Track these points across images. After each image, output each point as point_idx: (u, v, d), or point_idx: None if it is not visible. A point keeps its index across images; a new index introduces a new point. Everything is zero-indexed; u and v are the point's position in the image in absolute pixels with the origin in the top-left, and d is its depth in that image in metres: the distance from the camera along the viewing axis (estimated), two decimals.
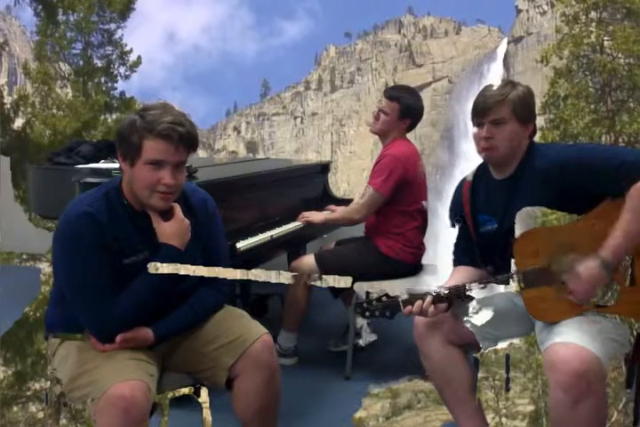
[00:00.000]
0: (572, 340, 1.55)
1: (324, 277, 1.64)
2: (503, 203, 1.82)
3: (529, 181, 1.77)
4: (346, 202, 3.34)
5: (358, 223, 2.87)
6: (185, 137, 1.58)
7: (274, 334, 1.80)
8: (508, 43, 66.66)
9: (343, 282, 1.62)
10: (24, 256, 5.71)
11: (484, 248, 1.89)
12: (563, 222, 1.84)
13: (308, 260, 2.82)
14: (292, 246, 3.26)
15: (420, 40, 76.87)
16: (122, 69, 20.69)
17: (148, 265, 1.60)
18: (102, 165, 2.99)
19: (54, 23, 19.99)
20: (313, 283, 1.69)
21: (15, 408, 2.80)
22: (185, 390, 1.72)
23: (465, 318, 1.80)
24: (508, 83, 1.83)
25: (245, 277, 1.62)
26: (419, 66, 73.27)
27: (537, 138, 1.89)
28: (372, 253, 2.78)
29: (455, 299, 1.74)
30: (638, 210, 1.59)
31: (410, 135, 2.90)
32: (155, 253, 1.64)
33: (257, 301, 3.23)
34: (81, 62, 20.73)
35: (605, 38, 18.44)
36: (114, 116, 19.84)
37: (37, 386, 3.05)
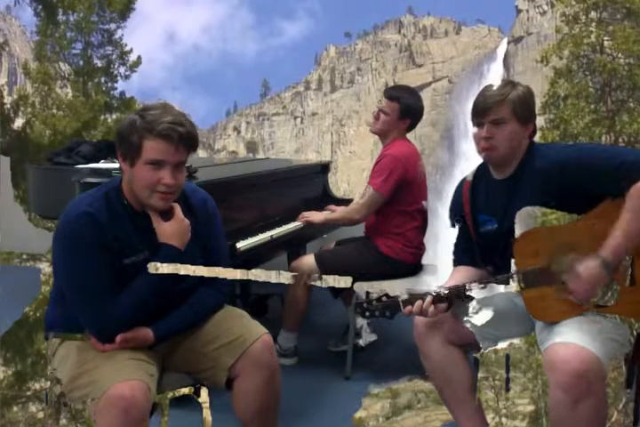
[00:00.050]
0: (572, 340, 1.55)
1: (324, 277, 1.64)
2: (503, 203, 1.82)
3: (529, 181, 1.77)
4: (346, 202, 3.34)
5: (358, 223, 2.87)
6: (185, 137, 1.58)
7: (274, 334, 1.80)
8: (508, 43, 66.67)
9: (343, 282, 1.62)
10: (24, 256, 5.71)
11: (483, 248, 1.89)
12: (563, 222, 1.84)
13: (308, 260, 2.82)
14: (292, 246, 3.26)
15: (420, 40, 76.87)
16: (122, 69, 20.72)
17: (148, 265, 1.60)
18: (102, 165, 2.99)
19: (54, 23, 20.00)
20: (313, 283, 1.69)
21: (15, 408, 2.80)
22: (185, 390, 1.72)
23: (465, 318, 1.80)
24: (508, 83, 1.83)
25: (245, 277, 1.62)
26: (419, 66, 73.27)
27: (537, 138, 1.89)
28: (372, 253, 2.78)
29: (455, 299, 1.74)
30: (638, 210, 1.59)
31: (410, 135, 2.90)
32: (155, 253, 1.64)
33: (257, 301, 3.23)
34: (81, 62, 20.74)
35: (605, 38, 18.44)
36: (114, 117, 19.85)
37: (37, 386, 3.05)
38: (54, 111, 19.09)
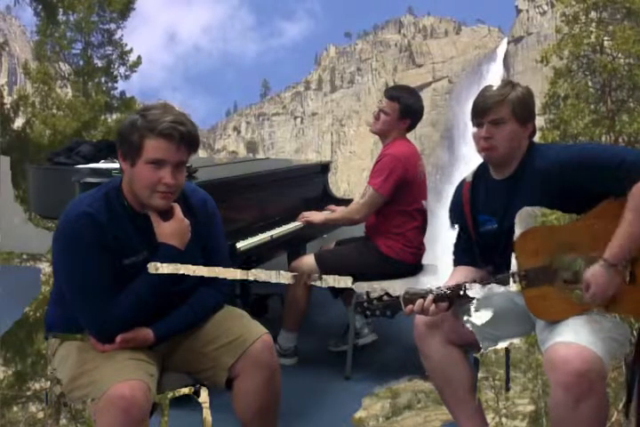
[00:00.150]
0: (573, 339, 1.55)
1: (324, 277, 1.64)
2: (503, 203, 1.82)
3: (529, 181, 1.77)
4: (346, 202, 3.34)
5: (358, 223, 2.87)
6: (186, 136, 1.58)
7: (274, 334, 1.80)
8: (508, 43, 66.69)
9: (343, 282, 1.62)
10: (24, 256, 5.72)
11: (483, 248, 1.89)
12: (563, 222, 1.84)
13: (308, 260, 2.82)
14: (292, 246, 3.26)
15: (420, 40, 76.90)
16: (122, 69, 20.74)
17: (148, 265, 1.60)
18: (102, 165, 2.99)
19: (54, 23, 20.00)
20: (313, 283, 1.69)
21: (15, 408, 2.80)
22: (185, 390, 1.71)
23: (465, 318, 1.80)
24: (508, 83, 1.83)
25: (245, 277, 1.62)
26: (419, 66, 73.28)
27: (537, 138, 1.89)
28: (372, 253, 2.78)
29: (456, 298, 1.74)
30: (636, 208, 1.59)
31: (410, 135, 2.90)
32: (154, 253, 1.64)
33: (257, 301, 3.23)
34: (81, 62, 20.75)
35: (605, 38, 18.44)
36: (114, 117, 19.86)
37: (37, 386, 3.05)
38: (54, 111, 19.10)
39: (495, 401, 2.69)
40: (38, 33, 20.41)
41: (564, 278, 1.67)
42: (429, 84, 70.79)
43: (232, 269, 1.67)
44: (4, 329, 3.55)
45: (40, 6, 19.83)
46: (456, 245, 2.01)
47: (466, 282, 1.75)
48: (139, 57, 21.13)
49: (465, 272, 1.91)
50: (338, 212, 2.98)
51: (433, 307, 1.72)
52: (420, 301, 1.72)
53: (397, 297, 1.75)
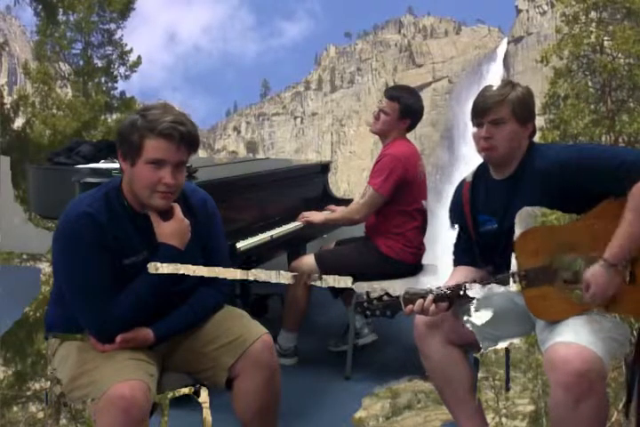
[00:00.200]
0: (573, 339, 1.55)
1: (324, 277, 1.64)
2: (503, 203, 1.82)
3: (529, 181, 1.77)
4: (346, 202, 3.34)
5: (358, 223, 2.87)
6: (186, 136, 1.58)
7: (274, 334, 1.80)
8: (508, 43, 66.69)
9: (343, 282, 1.62)
10: (24, 256, 5.72)
11: (484, 248, 1.89)
12: (562, 222, 1.84)
13: (308, 260, 2.82)
14: (292, 246, 3.26)
15: (420, 40, 76.90)
16: (122, 69, 20.74)
17: (148, 265, 1.60)
18: (102, 165, 2.99)
19: (54, 23, 20.00)
20: (313, 283, 1.69)
21: (15, 408, 2.80)
22: (185, 390, 1.71)
23: (465, 318, 1.80)
24: (508, 83, 1.83)
25: (245, 277, 1.62)
26: (419, 66, 73.29)
27: (537, 138, 1.89)
28: (372, 253, 2.78)
29: (456, 298, 1.74)
30: (636, 208, 1.59)
31: (410, 135, 2.89)
32: (154, 253, 1.64)
33: (257, 301, 3.23)
34: (81, 62, 20.75)
35: (605, 38, 18.44)
36: (114, 117, 19.86)
37: (37, 386, 3.05)
38: (54, 111, 19.10)
39: (495, 401, 2.69)
40: (38, 33, 20.42)
41: (564, 278, 1.67)
42: (429, 84, 70.80)
43: (232, 269, 1.67)
44: (4, 329, 3.55)
45: (40, 6, 19.84)
46: (456, 246, 2.01)
47: (466, 282, 1.75)
48: (139, 57, 21.15)
49: (465, 272, 1.91)
50: (338, 212, 2.98)
51: (433, 307, 1.72)
52: (419, 301, 1.72)
53: (397, 297, 1.75)
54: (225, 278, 1.71)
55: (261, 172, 3.21)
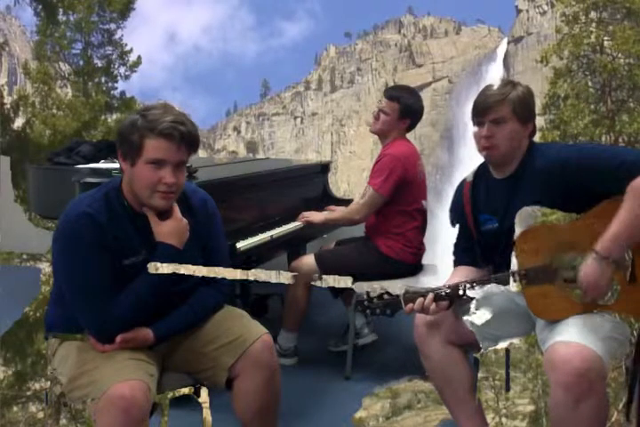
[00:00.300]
0: (573, 339, 1.55)
1: (324, 277, 1.64)
2: (504, 202, 1.82)
3: (529, 181, 1.77)
4: (346, 202, 3.34)
5: (358, 223, 2.87)
6: (186, 136, 1.58)
7: (274, 334, 1.80)
8: (508, 43, 66.69)
9: (343, 282, 1.62)
10: (24, 256, 5.72)
11: (484, 247, 1.89)
12: (563, 222, 1.84)
13: (308, 260, 2.82)
14: (292, 246, 3.26)
15: (420, 40, 76.90)
16: (122, 69, 20.76)
17: (148, 265, 1.60)
18: (102, 165, 2.99)
19: (54, 23, 20.01)
20: (313, 283, 1.69)
21: (15, 408, 2.80)
22: (185, 390, 1.72)
23: (465, 318, 1.80)
24: (509, 82, 1.83)
25: (245, 277, 1.62)
26: (419, 66, 73.29)
27: (537, 138, 1.89)
28: (372, 253, 2.78)
29: (456, 297, 1.74)
30: (634, 204, 1.59)
31: (410, 135, 2.89)
32: (154, 253, 1.64)
33: (257, 301, 3.23)
34: (81, 62, 20.76)
35: (605, 38, 18.45)
36: (114, 117, 19.87)
37: (37, 386, 3.05)
38: (54, 111, 19.11)
39: (495, 401, 2.69)
40: (38, 33, 20.43)
41: (564, 278, 1.67)
42: (429, 84, 70.80)
43: (232, 269, 1.67)
44: (4, 329, 3.55)
45: (40, 6, 19.86)
46: (456, 245, 2.01)
47: (466, 281, 1.75)
48: (139, 57, 21.17)
49: (465, 272, 1.91)
50: (338, 212, 2.98)
51: (433, 306, 1.72)
52: (420, 299, 1.72)
53: (398, 296, 1.75)
54: (225, 278, 1.71)
55: (261, 172, 3.21)
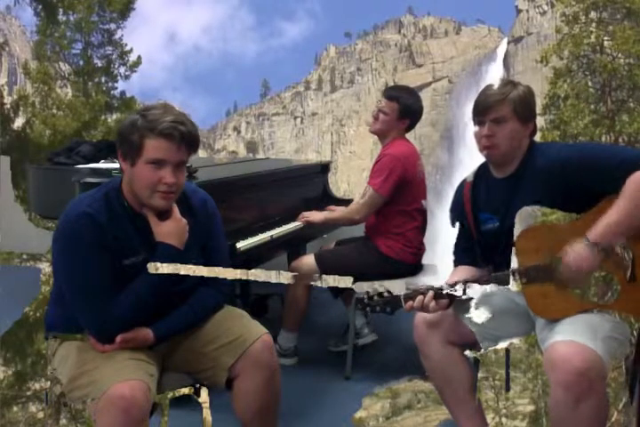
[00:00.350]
0: (573, 338, 1.55)
1: (323, 277, 1.64)
2: (504, 201, 1.83)
3: (530, 180, 1.78)
4: (346, 202, 3.34)
5: (358, 223, 2.87)
6: (187, 136, 1.58)
7: (274, 334, 1.80)
8: (508, 43, 66.70)
9: (343, 282, 1.62)
10: (24, 256, 5.71)
11: (485, 247, 1.89)
12: (563, 222, 1.84)
13: (308, 260, 2.82)
14: (292, 246, 3.26)
15: (420, 40, 76.91)
16: (122, 69, 20.74)
17: (148, 265, 1.60)
18: (102, 165, 2.99)
19: (54, 23, 20.00)
20: (313, 283, 1.69)
21: (15, 408, 2.80)
22: (185, 390, 1.72)
23: (465, 316, 1.80)
24: (509, 82, 1.84)
25: (245, 277, 1.62)
26: (419, 66, 73.29)
27: (537, 138, 1.90)
28: (372, 253, 2.78)
29: (455, 296, 1.74)
30: (632, 195, 1.60)
31: (410, 135, 2.90)
32: (154, 253, 1.64)
33: (257, 301, 3.23)
34: (81, 62, 20.74)
35: (605, 38, 18.44)
36: (114, 117, 19.86)
37: (37, 386, 3.05)
38: (54, 111, 19.10)
39: (495, 401, 2.69)
40: (38, 33, 20.41)
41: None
42: (429, 84, 70.80)
43: (232, 270, 1.66)
44: (4, 329, 3.55)
45: (40, 6, 19.84)
46: (456, 245, 2.01)
47: (466, 280, 1.75)
48: (139, 57, 21.15)
49: (465, 272, 1.91)
50: (338, 212, 2.98)
51: (433, 303, 1.72)
52: (420, 297, 1.72)
53: (398, 294, 1.75)
54: (225, 278, 1.71)
55: (261, 172, 3.21)
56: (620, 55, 18.35)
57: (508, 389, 2.17)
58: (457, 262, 1.99)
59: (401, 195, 2.74)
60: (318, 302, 3.08)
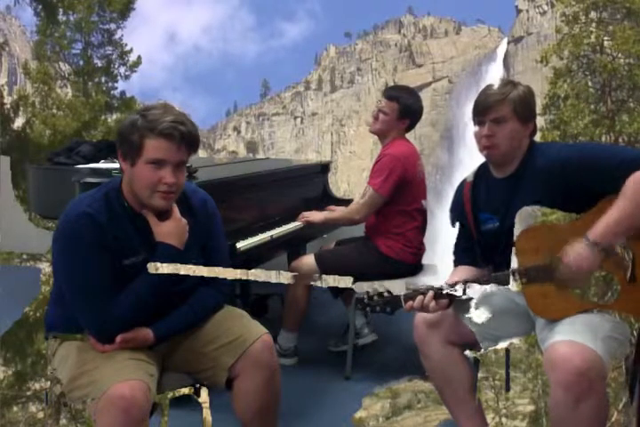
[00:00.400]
0: (573, 338, 1.55)
1: (324, 277, 1.64)
2: (504, 201, 1.83)
3: (530, 180, 1.78)
4: (346, 202, 3.34)
5: (358, 223, 2.87)
6: (187, 136, 1.58)
7: (274, 334, 1.80)
8: (508, 43, 66.70)
9: (343, 282, 1.62)
10: (24, 256, 5.71)
11: (485, 247, 1.89)
12: (563, 222, 1.84)
13: (308, 260, 2.82)
14: (292, 246, 3.26)
15: (420, 40, 76.90)
16: (122, 69, 20.74)
17: (148, 265, 1.60)
18: (102, 165, 2.99)
19: (54, 23, 20.00)
20: (313, 283, 1.69)
21: (15, 408, 2.80)
22: (185, 390, 1.72)
23: (465, 316, 1.80)
24: (509, 82, 1.84)
25: (245, 277, 1.62)
26: (419, 66, 73.29)
27: (537, 138, 1.90)
28: (372, 253, 2.78)
29: (455, 296, 1.74)
30: (631, 195, 1.60)
31: (410, 135, 2.89)
32: (154, 253, 1.64)
33: (257, 301, 3.23)
34: (81, 62, 20.74)
35: (605, 38, 18.44)
36: (114, 117, 19.86)
37: (37, 386, 3.05)
38: (54, 111, 19.10)
39: (495, 401, 2.68)
40: (38, 33, 20.42)
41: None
42: (429, 84, 70.79)
43: (232, 270, 1.66)
44: (4, 329, 3.55)
45: (40, 6, 19.84)
46: (456, 245, 2.01)
47: (466, 279, 1.75)
48: (139, 57, 21.15)
49: (465, 272, 1.91)
50: (338, 212, 2.98)
51: (433, 303, 1.72)
52: (420, 297, 1.72)
53: (398, 294, 1.75)
54: (225, 278, 1.71)
55: (261, 172, 3.21)
56: (619, 55, 18.35)
57: (507, 389, 2.17)
58: (457, 262, 1.99)
59: (401, 195, 2.74)
60: (318, 302, 3.08)
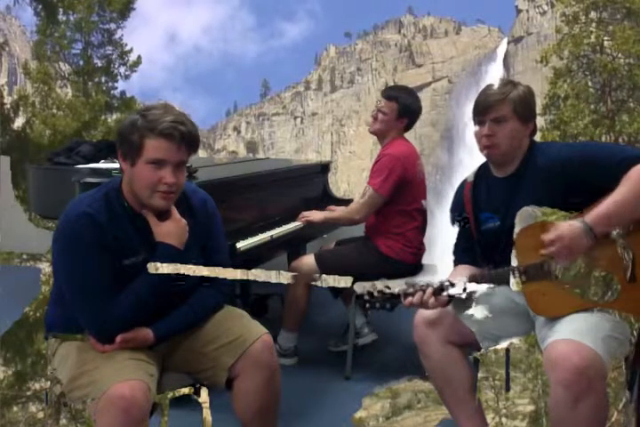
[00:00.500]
0: (572, 337, 1.55)
1: (323, 277, 1.64)
2: (505, 200, 1.83)
3: (531, 179, 1.78)
4: (346, 202, 3.34)
5: (358, 223, 2.87)
6: (187, 136, 1.58)
7: (274, 334, 1.80)
8: (508, 43, 66.69)
9: (343, 282, 1.62)
10: (24, 256, 5.71)
11: (485, 246, 1.89)
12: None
13: (308, 260, 2.82)
14: (292, 246, 3.26)
15: (420, 40, 76.88)
16: (122, 69, 20.77)
17: (148, 265, 1.60)
18: (102, 165, 2.99)
19: (54, 23, 20.02)
20: (313, 283, 1.69)
21: (15, 408, 2.80)
22: (185, 390, 1.72)
23: (464, 313, 1.80)
24: (509, 82, 1.85)
25: (245, 277, 1.62)
26: (419, 66, 73.28)
27: (537, 139, 1.90)
28: (372, 253, 2.78)
29: (455, 293, 1.73)
30: (631, 184, 1.60)
31: (410, 135, 2.90)
32: (154, 253, 1.64)
33: (257, 301, 3.23)
34: (81, 62, 20.76)
35: (605, 38, 18.46)
36: (114, 117, 19.88)
37: (37, 386, 3.05)
38: (54, 111, 19.11)
39: (495, 401, 2.68)
40: (38, 33, 20.44)
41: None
42: (429, 84, 70.79)
43: (232, 270, 1.66)
44: (4, 329, 3.55)
45: (40, 6, 19.86)
46: (456, 245, 2.01)
47: (467, 277, 1.75)
48: (139, 57, 21.17)
49: (465, 271, 1.90)
50: (338, 211, 2.98)
51: (432, 300, 1.72)
52: (419, 293, 1.72)
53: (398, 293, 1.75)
54: (225, 278, 1.71)
55: (261, 172, 3.21)
56: (620, 55, 18.36)
57: (507, 389, 2.16)
58: (457, 262, 1.99)
59: (401, 195, 2.74)
60: (318, 301, 3.08)
